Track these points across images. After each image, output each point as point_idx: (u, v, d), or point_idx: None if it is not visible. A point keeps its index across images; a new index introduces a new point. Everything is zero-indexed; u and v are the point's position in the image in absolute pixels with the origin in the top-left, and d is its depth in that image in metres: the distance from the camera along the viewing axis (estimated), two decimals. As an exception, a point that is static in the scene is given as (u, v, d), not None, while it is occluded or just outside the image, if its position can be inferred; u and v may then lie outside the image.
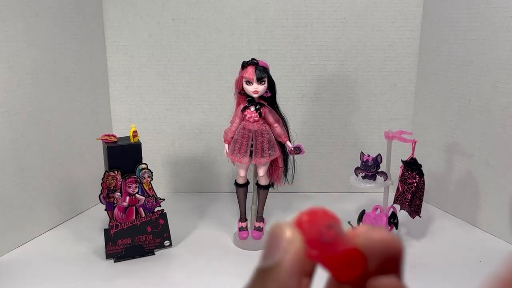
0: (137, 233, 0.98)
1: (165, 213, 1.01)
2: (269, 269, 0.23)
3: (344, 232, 0.24)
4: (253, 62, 0.95)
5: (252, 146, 0.98)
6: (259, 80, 0.94)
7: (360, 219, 1.05)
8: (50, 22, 1.06)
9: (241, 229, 1.06)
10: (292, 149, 1.00)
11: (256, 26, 1.23)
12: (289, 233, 0.24)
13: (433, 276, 0.92)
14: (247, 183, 1.05)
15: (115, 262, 0.97)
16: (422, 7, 1.21)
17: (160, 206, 1.00)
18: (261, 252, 0.24)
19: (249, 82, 0.95)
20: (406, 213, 1.01)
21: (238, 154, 0.98)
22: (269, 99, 0.99)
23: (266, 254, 0.24)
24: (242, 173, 1.03)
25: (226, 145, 1.01)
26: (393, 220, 1.01)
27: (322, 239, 0.24)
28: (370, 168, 1.00)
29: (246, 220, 1.07)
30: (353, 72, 1.26)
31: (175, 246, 1.03)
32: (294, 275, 0.24)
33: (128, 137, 0.99)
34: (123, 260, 0.97)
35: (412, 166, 0.97)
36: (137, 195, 0.98)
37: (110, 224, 0.96)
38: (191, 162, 1.34)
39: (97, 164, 1.20)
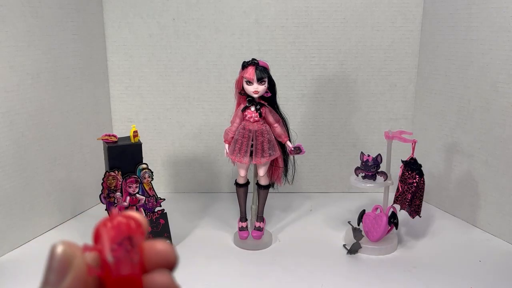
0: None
1: (166, 213, 1.01)
2: None
3: (137, 247, 0.24)
4: (254, 62, 0.95)
5: (252, 146, 0.98)
6: (259, 80, 0.94)
7: (360, 219, 1.05)
8: (50, 22, 1.06)
9: (241, 229, 1.06)
10: (292, 149, 1.00)
11: (256, 26, 1.23)
12: (68, 254, 0.23)
13: (433, 276, 0.92)
14: (247, 183, 1.05)
15: (115, 262, 0.97)
16: (422, 7, 1.22)
17: (160, 206, 1.01)
18: (43, 275, 0.22)
19: (249, 82, 0.95)
20: (406, 213, 1.01)
21: (238, 154, 0.98)
22: (269, 99, 0.99)
23: (47, 279, 0.22)
24: (242, 173, 1.03)
25: (226, 145, 1.02)
26: (393, 220, 1.01)
27: (108, 258, 0.23)
28: (370, 168, 1.00)
29: (246, 220, 1.07)
30: (353, 72, 1.26)
31: (176, 245, 1.03)
32: None
33: (129, 137, 0.99)
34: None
35: (412, 166, 0.97)
36: (137, 195, 0.98)
37: (110, 224, 0.96)
38: (191, 162, 1.34)
39: (98, 164, 1.21)
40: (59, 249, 0.23)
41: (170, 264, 0.25)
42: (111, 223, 0.25)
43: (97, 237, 0.25)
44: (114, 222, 0.25)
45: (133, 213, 0.26)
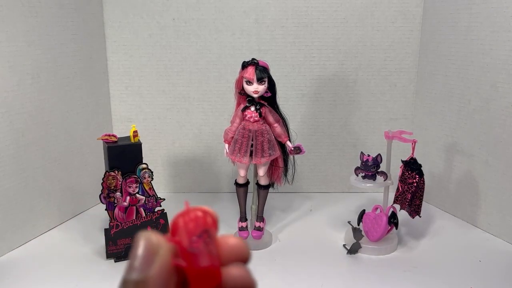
0: (137, 233, 0.98)
1: (166, 213, 1.01)
2: (134, 283, 0.22)
3: (214, 240, 0.25)
4: (253, 62, 0.95)
5: (252, 146, 0.98)
6: (259, 80, 0.94)
7: (360, 219, 1.05)
8: (50, 22, 1.06)
9: (241, 229, 1.06)
10: (292, 149, 1.00)
11: (256, 26, 1.23)
12: (155, 244, 0.24)
13: (433, 276, 0.92)
14: (247, 183, 1.05)
15: (115, 262, 0.97)
16: (422, 7, 1.22)
17: (160, 206, 1.01)
18: (127, 263, 0.23)
19: (249, 82, 0.95)
20: (406, 213, 1.01)
21: (238, 154, 0.98)
22: (269, 99, 0.99)
23: (133, 265, 0.23)
24: (242, 173, 1.03)
25: (226, 145, 1.02)
26: (393, 220, 1.01)
27: (189, 249, 0.24)
28: (370, 168, 1.00)
29: (246, 220, 1.07)
30: (353, 72, 1.26)
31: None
32: None
33: (129, 137, 0.99)
34: (124, 260, 0.97)
35: (412, 166, 0.97)
36: (137, 195, 0.98)
37: (111, 224, 0.96)
38: (191, 162, 1.34)
39: (98, 164, 1.20)
40: (147, 238, 0.24)
41: (244, 259, 0.26)
42: (189, 216, 0.25)
43: (174, 229, 0.25)
44: (192, 215, 0.25)
45: (207, 208, 0.27)
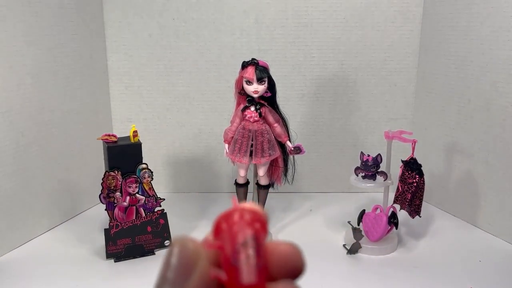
0: (137, 233, 0.98)
1: (165, 213, 1.01)
2: None
3: (263, 249, 0.21)
4: (253, 62, 0.95)
5: (252, 146, 0.98)
6: (259, 80, 0.94)
7: (360, 219, 1.05)
8: (50, 22, 1.06)
9: (241, 229, 1.06)
10: (292, 149, 1.00)
11: (256, 26, 1.23)
12: (194, 253, 0.20)
13: (433, 276, 0.92)
14: (247, 183, 1.05)
15: (115, 262, 0.97)
16: (422, 7, 1.22)
17: (160, 206, 1.01)
18: (160, 272, 0.20)
19: (249, 82, 0.95)
20: (406, 213, 1.01)
21: (238, 154, 0.98)
22: (269, 99, 0.99)
23: (166, 276, 0.20)
24: (242, 173, 1.03)
25: (226, 145, 1.02)
26: (393, 220, 1.01)
27: (232, 261, 0.20)
28: (370, 168, 1.00)
29: (246, 220, 1.07)
30: (353, 72, 1.26)
31: (175, 246, 1.03)
32: None
33: (128, 137, 0.99)
34: (123, 260, 0.97)
35: (412, 166, 0.97)
36: (137, 195, 0.98)
37: (110, 224, 0.96)
38: (191, 162, 1.34)
39: (97, 164, 1.20)
40: (184, 245, 0.20)
41: (297, 270, 0.21)
42: (233, 218, 0.21)
43: (217, 231, 0.21)
44: (237, 217, 0.21)
45: (256, 208, 0.22)
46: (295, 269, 0.21)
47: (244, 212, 0.22)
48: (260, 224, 0.22)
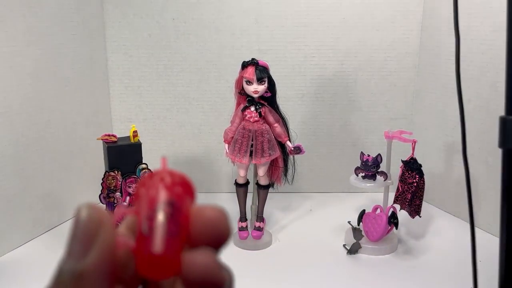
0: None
1: (165, 213, 1.01)
2: (70, 275, 0.17)
3: (182, 216, 0.19)
4: (253, 62, 0.95)
5: (252, 146, 0.98)
6: (259, 80, 0.94)
7: (360, 219, 1.05)
8: (50, 22, 1.06)
9: (241, 229, 1.06)
10: (292, 149, 1.00)
11: (256, 26, 1.23)
12: (92, 220, 0.17)
13: (433, 276, 0.92)
14: (247, 183, 1.05)
15: (115, 262, 0.97)
16: (422, 7, 1.21)
17: (160, 206, 1.00)
18: (65, 247, 0.18)
19: (249, 82, 0.95)
20: (406, 213, 1.01)
21: (238, 154, 0.98)
22: (269, 99, 0.99)
23: (70, 249, 0.18)
24: (242, 173, 1.03)
25: (226, 145, 1.01)
26: (393, 220, 1.01)
27: (142, 229, 0.18)
28: (370, 168, 1.00)
29: (246, 220, 1.07)
30: (353, 72, 1.26)
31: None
32: (102, 282, 0.17)
33: (128, 137, 0.99)
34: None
35: (412, 166, 0.97)
36: (137, 195, 0.98)
37: (110, 224, 0.96)
38: (191, 162, 1.34)
39: (97, 164, 1.20)
40: (84, 214, 0.18)
41: (219, 237, 0.20)
42: (151, 182, 0.20)
43: (136, 196, 0.20)
44: (157, 179, 0.20)
45: (178, 172, 0.20)
46: (220, 236, 0.20)
47: (165, 175, 0.20)
48: (182, 188, 0.20)
